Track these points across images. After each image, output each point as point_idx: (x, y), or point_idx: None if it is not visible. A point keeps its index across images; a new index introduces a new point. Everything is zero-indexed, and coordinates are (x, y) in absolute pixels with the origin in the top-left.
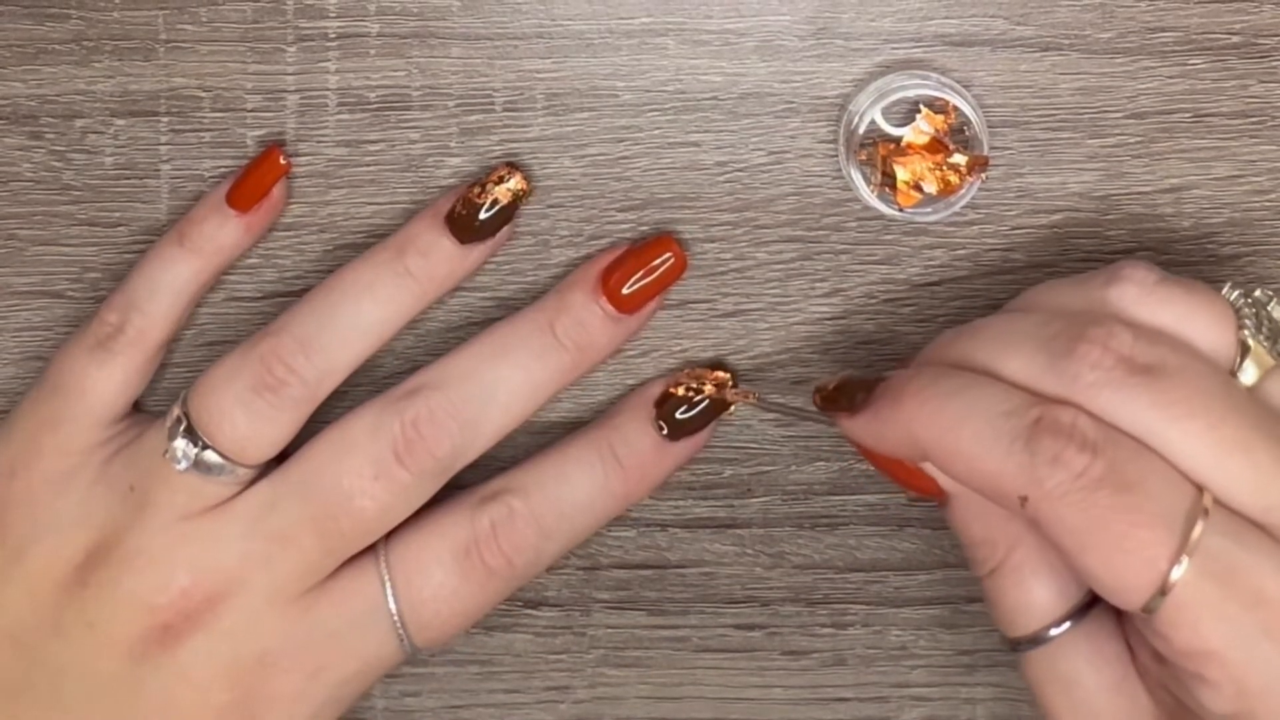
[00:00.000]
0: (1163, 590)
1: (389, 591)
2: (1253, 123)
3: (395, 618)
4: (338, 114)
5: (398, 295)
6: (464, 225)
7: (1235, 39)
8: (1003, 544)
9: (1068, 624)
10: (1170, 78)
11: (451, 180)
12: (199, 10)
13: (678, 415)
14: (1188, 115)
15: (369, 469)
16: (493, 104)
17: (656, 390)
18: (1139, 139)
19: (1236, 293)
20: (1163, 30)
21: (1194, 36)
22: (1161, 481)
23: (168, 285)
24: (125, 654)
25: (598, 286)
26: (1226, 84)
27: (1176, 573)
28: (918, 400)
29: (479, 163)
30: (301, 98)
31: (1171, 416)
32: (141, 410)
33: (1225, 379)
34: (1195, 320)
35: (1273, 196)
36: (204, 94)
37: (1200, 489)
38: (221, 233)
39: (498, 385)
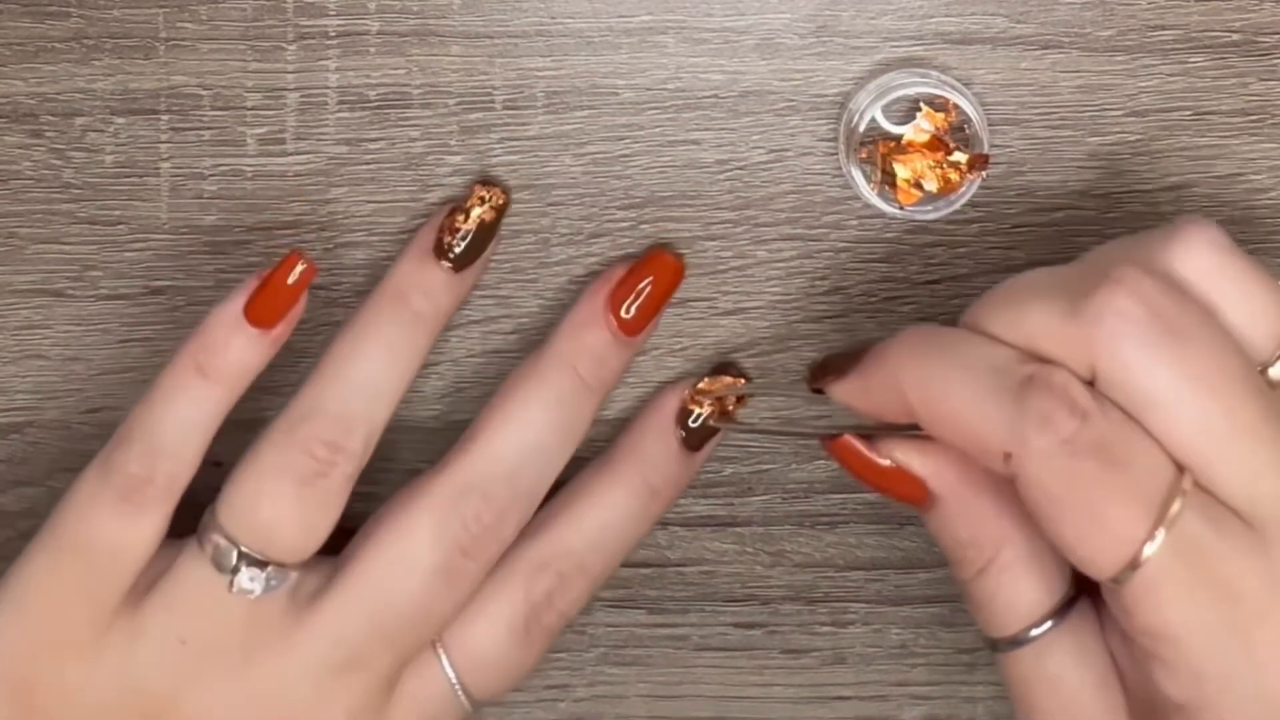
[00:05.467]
0: (1134, 565)
1: (455, 681)
2: (1253, 120)
3: (462, 699)
4: (338, 112)
5: (416, 341)
6: (458, 254)
7: (1235, 37)
8: (989, 544)
9: (1050, 622)
10: (1170, 75)
11: (453, 178)
12: (199, 8)
13: (692, 424)
14: (1188, 113)
15: (441, 579)
16: (493, 102)
17: (673, 404)
18: (1139, 137)
19: None
20: (1163, 28)
21: (1194, 34)
22: (1148, 461)
23: (196, 424)
24: None
25: (609, 318)
26: (1226, 82)
27: (1149, 549)
28: (904, 352)
29: (479, 161)
30: (302, 96)
31: (1192, 390)
32: None
33: (1248, 362)
34: (1246, 301)
35: (1273, 194)
36: (204, 92)
37: (1183, 471)
38: (248, 355)
39: (541, 453)
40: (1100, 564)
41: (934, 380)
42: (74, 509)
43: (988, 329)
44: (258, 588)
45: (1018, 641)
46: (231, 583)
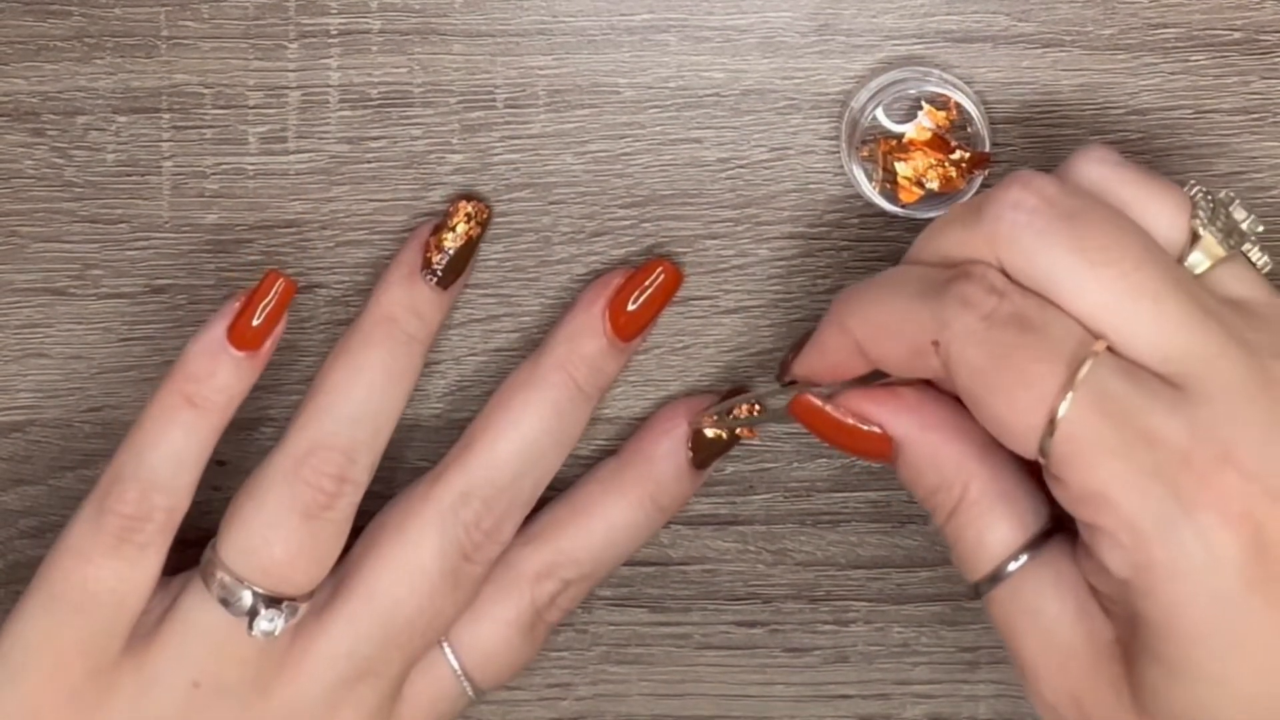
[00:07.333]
0: (1052, 427)
1: (463, 677)
2: (1254, 119)
3: (469, 692)
4: (339, 110)
5: (411, 362)
6: (445, 271)
7: (1236, 35)
8: (958, 483)
9: (1025, 556)
10: (1172, 74)
11: (454, 176)
12: (201, 7)
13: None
14: (1189, 112)
15: (447, 583)
16: (494, 100)
17: (685, 425)
18: (1140, 135)
19: (1197, 188)
20: (1164, 26)
21: (1196, 33)
22: (1061, 326)
23: (190, 456)
24: None
25: (605, 325)
26: (1228, 80)
27: (1064, 407)
28: (845, 297)
29: (481, 159)
30: (303, 94)
31: (1088, 262)
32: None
33: (1145, 234)
34: (1150, 202)
35: (1274, 193)
36: (206, 90)
37: (1096, 336)
38: (235, 380)
39: (538, 459)
40: (1023, 429)
41: (870, 305)
42: (67, 558)
43: (914, 260)
44: (278, 626)
45: (995, 578)
46: (251, 625)
